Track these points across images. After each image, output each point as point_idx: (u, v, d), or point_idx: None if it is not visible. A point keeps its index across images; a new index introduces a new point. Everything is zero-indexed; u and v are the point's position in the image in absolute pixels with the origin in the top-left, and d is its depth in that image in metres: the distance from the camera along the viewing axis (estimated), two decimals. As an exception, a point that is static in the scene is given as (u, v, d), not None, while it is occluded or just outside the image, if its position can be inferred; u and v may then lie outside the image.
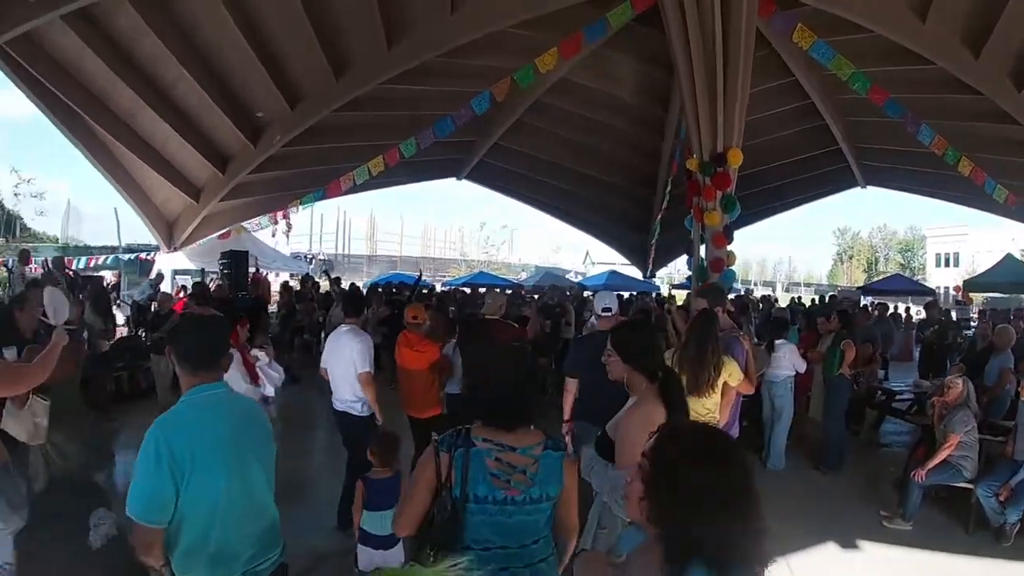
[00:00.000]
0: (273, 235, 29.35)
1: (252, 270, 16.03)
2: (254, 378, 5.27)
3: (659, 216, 17.19)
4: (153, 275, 15.05)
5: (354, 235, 46.72)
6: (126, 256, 18.51)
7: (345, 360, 5.50)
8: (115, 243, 20.09)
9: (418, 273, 15.36)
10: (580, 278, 28.74)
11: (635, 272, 24.25)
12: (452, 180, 21.00)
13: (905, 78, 12.40)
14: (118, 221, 19.48)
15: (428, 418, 5.98)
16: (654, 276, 21.02)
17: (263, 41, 12.09)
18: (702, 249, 10.31)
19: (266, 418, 2.81)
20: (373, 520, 4.20)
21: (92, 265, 17.97)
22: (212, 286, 13.63)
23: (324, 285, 17.82)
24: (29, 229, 34.49)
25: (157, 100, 13.22)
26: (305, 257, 26.81)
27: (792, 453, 7.65)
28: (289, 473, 5.72)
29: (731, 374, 4.60)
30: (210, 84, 12.98)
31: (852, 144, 17.31)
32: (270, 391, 5.42)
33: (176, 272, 16.85)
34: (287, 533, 2.70)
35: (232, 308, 8.48)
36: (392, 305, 12.00)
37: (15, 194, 32.14)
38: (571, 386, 5.05)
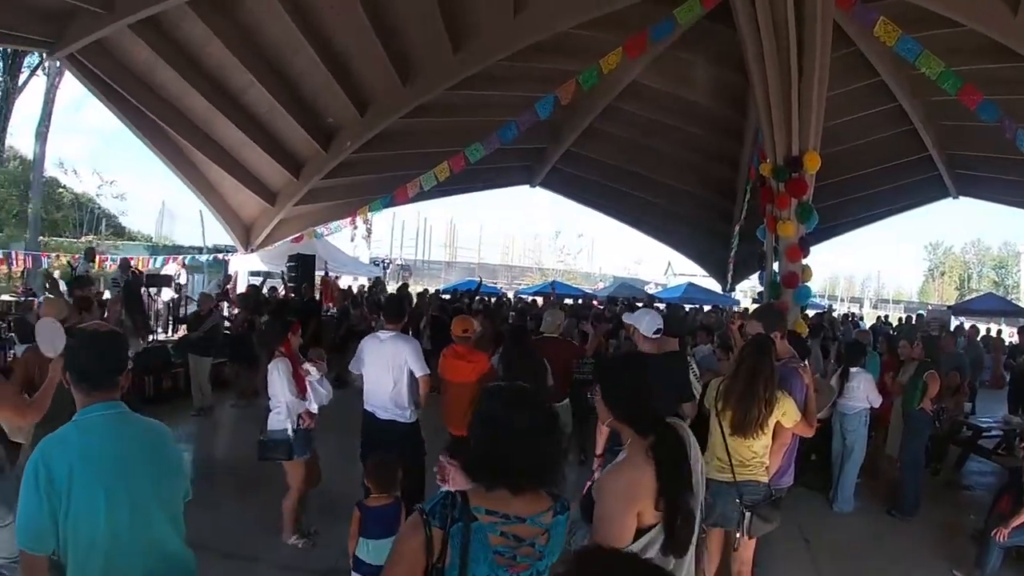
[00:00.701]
0: (352, 240, 30.11)
1: (320, 273, 16.22)
2: (302, 390, 5.09)
3: (738, 227, 16.40)
4: (221, 276, 15.36)
5: (435, 241, 47.25)
6: (205, 256, 19.04)
7: (386, 366, 5.21)
8: (205, 244, 20.97)
9: (478, 280, 15.21)
10: (658, 290, 27.96)
11: (714, 285, 23.37)
12: (536, 188, 20.66)
13: (1001, 77, 11.18)
14: (203, 223, 20.26)
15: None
16: (733, 290, 20.05)
17: (329, 48, 12.19)
18: (776, 263, 9.67)
19: (173, 445, 2.50)
20: (369, 548, 3.92)
21: (170, 264, 18.48)
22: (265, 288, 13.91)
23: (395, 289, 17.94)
24: (124, 229, 36.11)
25: (229, 106, 13.46)
26: (382, 262, 26.99)
27: (863, 493, 6.88)
28: (338, 484, 5.68)
29: (785, 412, 3.96)
30: (279, 90, 13.14)
31: (943, 151, 15.88)
32: (314, 407, 5.22)
33: (251, 273, 17.18)
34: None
35: (285, 311, 8.56)
36: (443, 312, 11.82)
37: (97, 195, 33.44)
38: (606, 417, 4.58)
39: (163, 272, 16.66)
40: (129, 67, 12.34)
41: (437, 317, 11.00)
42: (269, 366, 5.07)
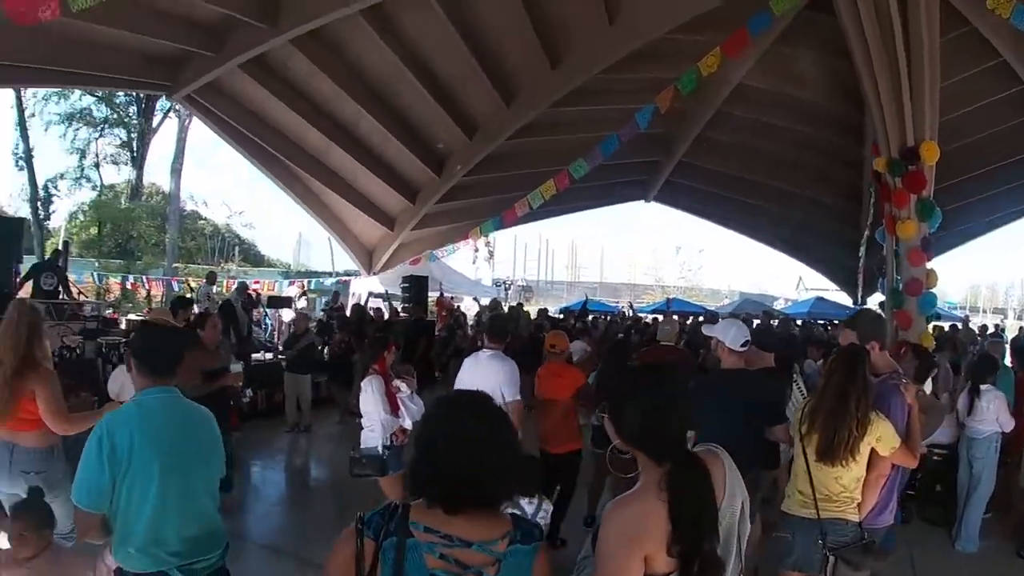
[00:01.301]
0: (474, 262, 30.74)
1: (435, 294, 16.49)
2: (394, 408, 5.04)
3: (866, 234, 15.05)
4: (330, 296, 15.89)
5: (557, 262, 47.23)
6: (330, 280, 19.92)
7: (479, 386, 4.93)
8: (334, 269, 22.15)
9: (584, 299, 14.88)
10: (787, 305, 26.35)
11: (845, 299, 21.63)
12: (652, 203, 20.24)
13: None
14: (331, 250, 21.39)
15: (565, 453, 5.43)
16: (864, 303, 18.34)
17: (432, 76, 12.49)
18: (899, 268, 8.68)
19: (215, 429, 2.78)
20: None
21: (292, 287, 19.43)
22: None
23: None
24: (263, 257, 38.52)
25: (342, 137, 14.03)
26: (504, 284, 27.17)
27: (991, 530, 5.89)
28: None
29: (881, 438, 3.32)
30: (389, 120, 13.58)
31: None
32: (408, 423, 5.11)
33: (373, 295, 17.70)
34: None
35: (388, 331, 8.62)
36: (540, 331, 11.58)
37: (227, 224, 35.81)
38: None
39: (284, 295, 17.42)
40: (245, 104, 13.18)
41: (534, 336, 10.86)
42: (362, 384, 5.05)
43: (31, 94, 26.24)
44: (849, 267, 18.02)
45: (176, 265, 22.33)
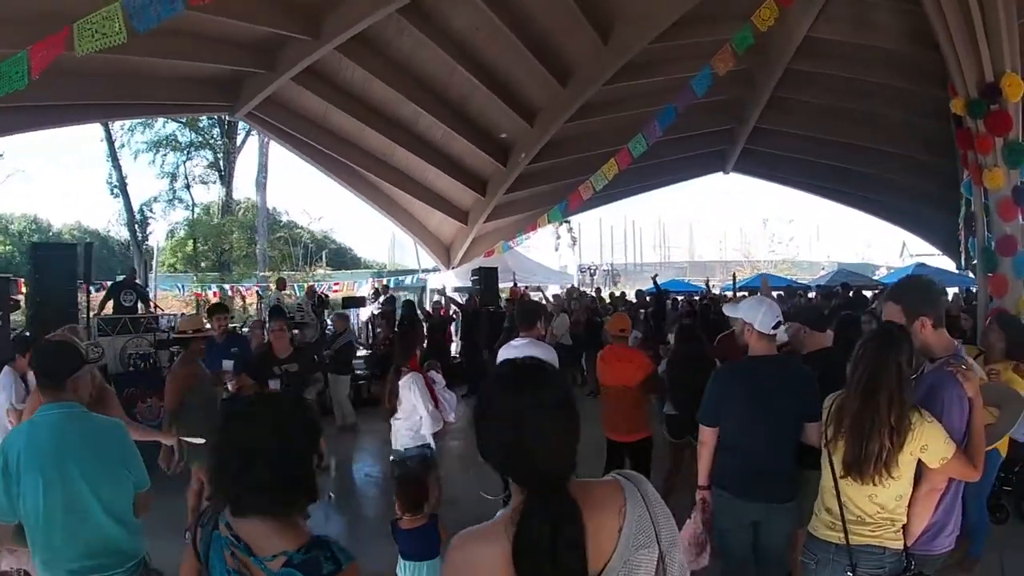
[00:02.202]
0: (556, 249, 30.63)
1: (509, 284, 16.44)
2: (437, 402, 4.98)
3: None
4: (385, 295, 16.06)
5: (645, 243, 46.22)
6: (407, 277, 20.26)
7: None
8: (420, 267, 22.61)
9: (654, 276, 14.44)
10: (888, 274, 24.67)
11: (948, 263, 19.86)
12: (731, 175, 19.40)
13: None
14: (416, 247, 21.81)
15: (635, 442, 5.32)
16: (969, 268, 16.62)
17: (484, 67, 12.39)
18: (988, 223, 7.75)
19: (122, 444, 2.75)
20: (406, 570, 3.85)
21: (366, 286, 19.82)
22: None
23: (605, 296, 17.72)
24: (359, 259, 39.74)
25: (404, 137, 14.13)
26: (588, 269, 26.89)
27: None
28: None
29: (927, 447, 2.56)
30: (447, 115, 13.58)
31: None
32: (451, 417, 5.15)
33: (455, 289, 17.82)
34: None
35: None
36: (594, 313, 11.25)
37: (322, 231, 37.40)
38: (707, 437, 3.53)
39: (358, 294, 17.79)
40: (305, 115, 13.47)
41: (590, 320, 10.61)
42: (401, 383, 4.96)
43: (118, 126, 28.32)
44: (949, 229, 16.59)
45: (263, 273, 23.46)
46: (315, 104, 13.03)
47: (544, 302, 14.03)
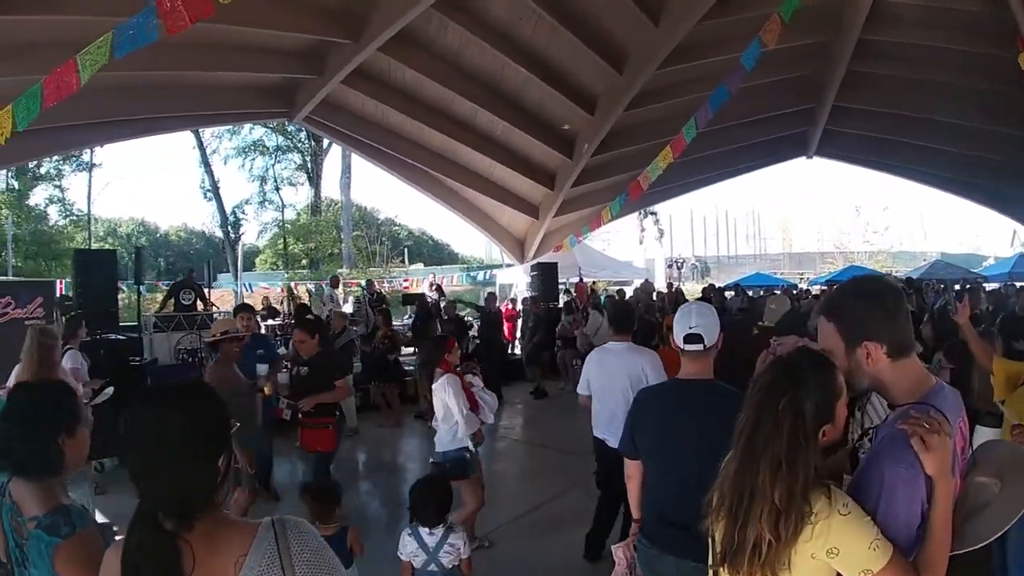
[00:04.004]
0: (640, 242, 30.06)
1: (575, 279, 16.30)
2: (474, 405, 4.97)
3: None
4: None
5: (739, 234, 44.44)
6: (477, 273, 20.46)
7: (618, 385, 4.42)
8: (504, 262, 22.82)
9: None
10: (990, 265, 22.58)
11: None
12: (815, 159, 18.38)
13: None
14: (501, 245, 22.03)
15: None
16: None
17: (535, 58, 12.17)
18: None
19: None
20: None
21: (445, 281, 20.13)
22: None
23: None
24: (457, 255, 40.56)
25: (464, 134, 14.17)
26: (676, 262, 26.24)
27: None
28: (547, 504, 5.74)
29: (837, 549, 1.65)
30: (503, 109, 13.51)
31: None
32: (489, 418, 5.18)
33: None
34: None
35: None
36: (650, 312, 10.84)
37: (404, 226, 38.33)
38: (631, 471, 3.12)
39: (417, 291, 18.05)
40: (362, 116, 13.72)
41: (641, 318, 10.23)
42: (436, 385, 4.99)
43: (208, 134, 30.23)
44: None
45: (342, 271, 24.40)
46: (372, 106, 13.27)
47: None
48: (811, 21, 11.61)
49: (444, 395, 4.88)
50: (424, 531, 3.50)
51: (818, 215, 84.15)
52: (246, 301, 14.37)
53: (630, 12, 10.98)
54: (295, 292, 17.96)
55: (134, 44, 5.12)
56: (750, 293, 15.41)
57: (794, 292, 16.67)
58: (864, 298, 1.92)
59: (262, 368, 5.82)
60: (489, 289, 16.34)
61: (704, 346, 2.89)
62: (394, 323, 11.54)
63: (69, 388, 2.20)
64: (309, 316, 8.18)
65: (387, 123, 13.94)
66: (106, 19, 5.82)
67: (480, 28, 11.24)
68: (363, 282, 16.25)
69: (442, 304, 14.93)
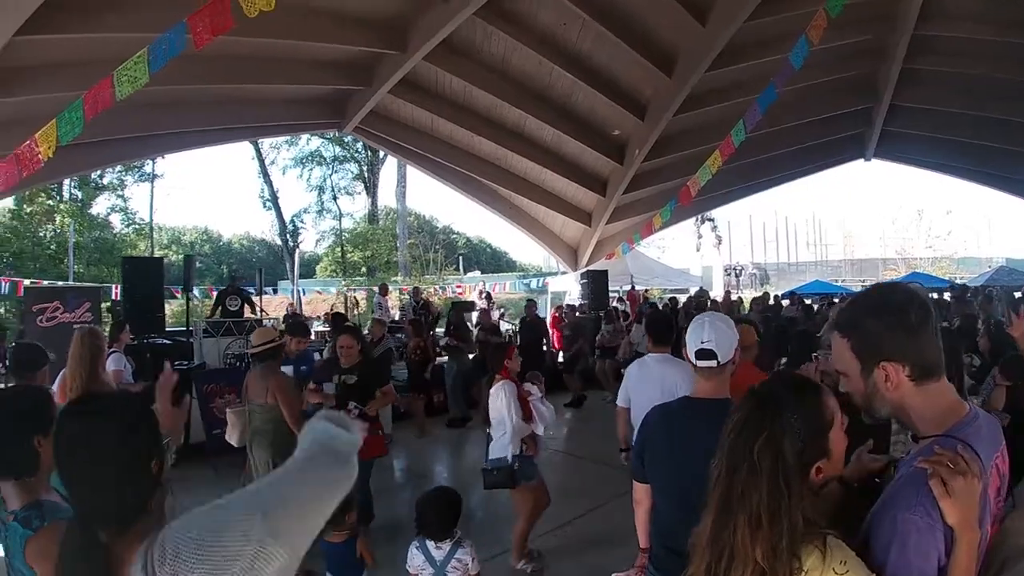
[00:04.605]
0: (698, 249, 29.55)
1: (627, 287, 16.10)
2: (527, 414, 4.90)
3: None
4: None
5: (800, 240, 43.04)
6: (530, 280, 20.42)
7: (654, 397, 3.92)
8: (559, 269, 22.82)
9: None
10: None
11: None
12: (873, 161, 17.71)
13: None
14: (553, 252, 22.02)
15: None
16: None
17: (582, 63, 12.15)
18: None
19: None
20: None
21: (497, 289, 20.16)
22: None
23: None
24: (515, 263, 40.72)
25: (514, 141, 14.23)
26: (734, 269, 25.65)
27: None
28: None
29: None
30: (553, 117, 13.51)
31: None
32: (540, 429, 5.07)
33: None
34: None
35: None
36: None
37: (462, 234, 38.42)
38: (639, 495, 2.88)
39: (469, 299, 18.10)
40: (412, 125, 13.95)
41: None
42: (492, 390, 4.98)
43: (267, 145, 31.37)
44: None
45: (397, 278, 24.77)
46: (421, 115, 13.45)
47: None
48: (863, 18, 11.31)
49: (498, 402, 4.84)
50: (431, 544, 3.44)
51: (880, 220, 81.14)
52: (297, 312, 14.78)
53: (676, 13, 10.83)
54: (353, 299, 18.30)
55: (166, 58, 5.25)
56: (808, 302, 14.83)
57: (820, 302, 15.94)
58: (882, 311, 1.59)
59: (286, 369, 5.81)
60: (529, 296, 16.29)
61: (718, 362, 2.64)
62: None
63: (47, 393, 2.34)
64: (347, 324, 8.25)
65: (437, 132, 14.10)
66: (143, 35, 6.01)
67: (525, 35, 11.27)
68: (414, 289, 16.40)
69: (492, 311, 15.00)
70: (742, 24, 10.83)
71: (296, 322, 9.17)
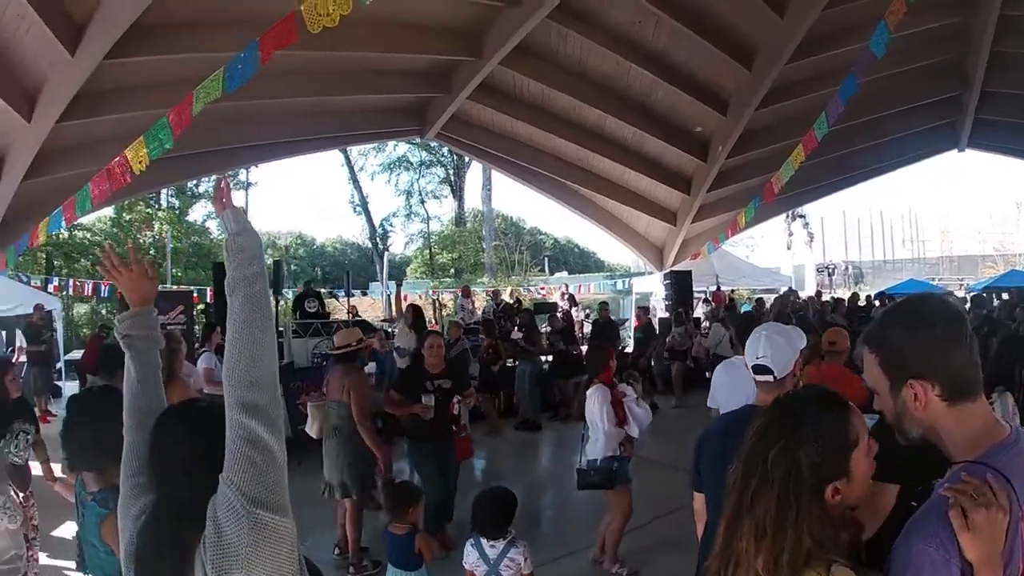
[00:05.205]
0: (788, 247, 28.35)
1: (712, 288, 15.73)
2: (621, 418, 4.88)
3: None
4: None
5: (896, 237, 40.56)
6: (616, 281, 20.22)
7: (741, 401, 4.26)
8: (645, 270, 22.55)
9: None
10: None
11: None
12: (967, 151, 16.71)
13: None
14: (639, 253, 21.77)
15: None
16: None
17: (658, 60, 12.03)
18: None
19: None
20: None
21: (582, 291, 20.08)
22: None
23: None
24: (603, 263, 40.46)
25: (594, 141, 14.17)
26: (827, 268, 24.55)
27: None
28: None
29: None
30: (633, 116, 13.41)
31: None
32: (635, 432, 5.03)
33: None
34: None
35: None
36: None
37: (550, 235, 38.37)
38: (698, 505, 2.71)
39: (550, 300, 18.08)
40: (493, 129, 14.10)
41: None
42: (588, 393, 5.07)
43: (355, 152, 32.53)
44: None
45: (482, 280, 25.07)
46: (501, 119, 13.62)
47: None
48: (945, 1, 10.79)
49: (593, 406, 4.89)
50: (485, 542, 3.52)
51: (978, 215, 75.52)
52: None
53: (752, 5, 10.63)
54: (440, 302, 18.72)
55: (242, 78, 5.56)
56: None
57: None
58: (909, 325, 1.50)
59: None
60: (610, 298, 16.12)
61: (774, 377, 2.55)
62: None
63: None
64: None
65: (517, 135, 14.24)
66: (222, 55, 6.36)
67: (599, 34, 11.27)
68: (494, 291, 16.62)
69: (573, 313, 14.98)
70: (821, 12, 10.47)
71: (359, 321, 9.55)
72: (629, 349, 12.94)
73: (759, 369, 2.55)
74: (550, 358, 11.03)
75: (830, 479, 1.43)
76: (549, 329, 11.42)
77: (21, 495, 4.19)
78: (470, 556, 3.55)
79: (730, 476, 1.52)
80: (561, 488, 7.24)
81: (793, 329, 2.76)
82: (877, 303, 13.77)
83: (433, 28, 10.46)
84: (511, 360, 10.48)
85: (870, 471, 1.52)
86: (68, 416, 2.54)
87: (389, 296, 18.85)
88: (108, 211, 25.04)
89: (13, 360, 9.93)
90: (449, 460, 5.61)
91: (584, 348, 12.06)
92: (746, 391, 3.73)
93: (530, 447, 9.33)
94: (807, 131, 11.39)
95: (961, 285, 20.04)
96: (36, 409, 7.55)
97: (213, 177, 26.75)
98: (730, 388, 4.16)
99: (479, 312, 16.03)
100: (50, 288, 15.46)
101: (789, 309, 13.43)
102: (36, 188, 9.46)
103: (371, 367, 6.89)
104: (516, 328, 11.02)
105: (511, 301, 15.58)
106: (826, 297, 16.42)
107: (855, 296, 13.88)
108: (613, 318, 13.75)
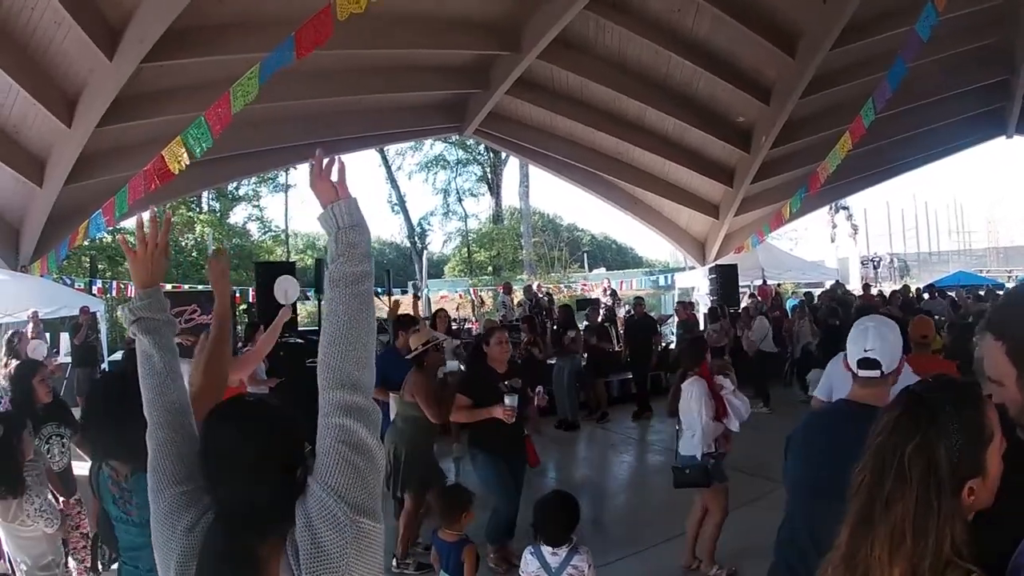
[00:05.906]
0: (832, 240, 27.58)
1: (758, 282, 15.37)
2: (721, 412, 4.72)
3: None
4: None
5: (942, 228, 39.16)
6: (658, 276, 19.92)
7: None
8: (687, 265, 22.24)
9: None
10: None
11: None
12: (1015, 138, 16.14)
13: None
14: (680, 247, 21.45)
15: None
16: None
17: (698, 48, 11.84)
18: None
19: None
20: None
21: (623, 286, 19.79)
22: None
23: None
24: (640, 259, 40.05)
25: (634, 134, 14.04)
26: (872, 261, 23.83)
27: None
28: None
29: None
30: (673, 106, 13.22)
31: None
32: (735, 426, 4.84)
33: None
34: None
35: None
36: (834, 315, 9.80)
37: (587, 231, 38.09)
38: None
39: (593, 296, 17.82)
40: (532, 125, 14.03)
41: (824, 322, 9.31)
42: (684, 386, 4.86)
43: (392, 152, 32.61)
44: None
45: (520, 277, 24.94)
46: (539, 114, 13.52)
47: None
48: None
49: (690, 400, 4.72)
50: (547, 550, 3.34)
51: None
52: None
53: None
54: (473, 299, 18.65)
55: (273, 68, 5.52)
56: (951, 295, 13.45)
57: (967, 296, 13.96)
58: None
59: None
60: (645, 294, 15.84)
61: (882, 372, 2.35)
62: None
63: None
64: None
65: (556, 129, 14.14)
66: (257, 55, 6.34)
67: (638, 25, 11.14)
68: (533, 287, 16.44)
69: (617, 308, 14.74)
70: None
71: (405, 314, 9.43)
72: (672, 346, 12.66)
73: (865, 363, 2.34)
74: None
75: (968, 478, 1.27)
76: (587, 323, 11.19)
77: (62, 500, 4.09)
78: (530, 565, 3.37)
79: (855, 476, 1.36)
80: (615, 488, 7.17)
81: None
82: (927, 296, 13.26)
83: (470, 23, 10.44)
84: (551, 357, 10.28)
85: (1000, 469, 1.33)
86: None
87: (427, 295, 18.86)
88: (147, 214, 25.62)
89: (55, 361, 10.06)
90: (521, 469, 5.17)
91: (616, 346, 11.92)
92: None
93: (571, 446, 9.12)
94: (851, 119, 11.11)
95: (1010, 277, 19.20)
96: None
97: (253, 180, 27.41)
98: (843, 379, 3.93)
99: (518, 309, 15.89)
100: (94, 290, 15.66)
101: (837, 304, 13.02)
102: (78, 192, 9.62)
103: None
104: (554, 326, 10.86)
105: (542, 295, 15.30)
106: (873, 291, 15.89)
107: (905, 289, 13.37)
108: (653, 314, 13.49)
